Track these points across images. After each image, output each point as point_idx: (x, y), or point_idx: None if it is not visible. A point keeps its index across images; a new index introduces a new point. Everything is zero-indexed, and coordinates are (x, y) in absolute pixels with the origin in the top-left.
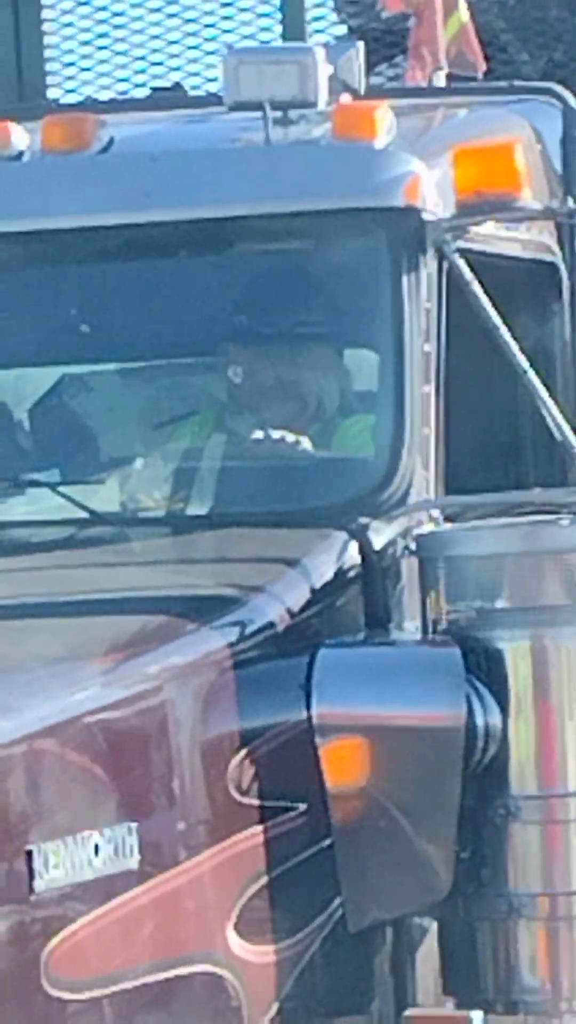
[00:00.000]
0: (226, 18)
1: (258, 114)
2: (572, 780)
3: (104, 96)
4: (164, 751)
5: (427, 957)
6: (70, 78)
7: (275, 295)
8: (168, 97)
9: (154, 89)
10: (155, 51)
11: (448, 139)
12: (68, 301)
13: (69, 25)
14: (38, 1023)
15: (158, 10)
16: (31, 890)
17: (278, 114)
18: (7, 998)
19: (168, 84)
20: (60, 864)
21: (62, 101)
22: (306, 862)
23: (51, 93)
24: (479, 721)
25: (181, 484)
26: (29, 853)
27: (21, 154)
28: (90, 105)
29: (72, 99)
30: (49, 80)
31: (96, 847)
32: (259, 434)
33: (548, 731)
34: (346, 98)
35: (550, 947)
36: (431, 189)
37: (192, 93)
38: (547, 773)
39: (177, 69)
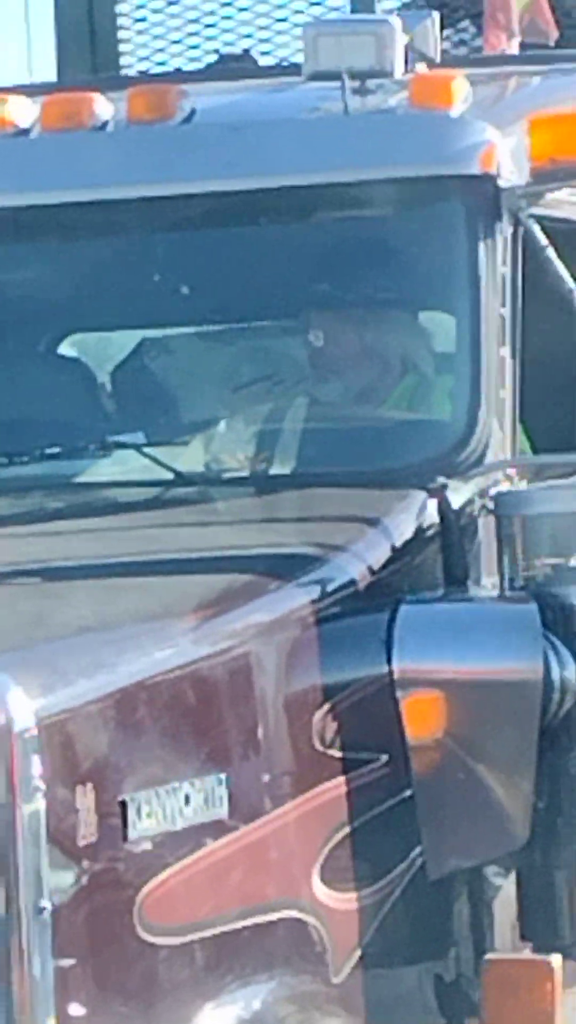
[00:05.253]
0: None
1: (336, 84)
2: None
3: (175, 64)
4: (251, 705)
5: (505, 904)
6: (142, 46)
7: (354, 261)
8: (248, 68)
9: (222, 56)
10: (224, 18)
11: (523, 107)
12: (152, 267)
13: None
14: (132, 967)
15: None
16: (125, 839)
17: (356, 84)
18: (103, 943)
19: (238, 52)
20: (152, 814)
21: (135, 70)
22: (388, 812)
23: (123, 62)
24: (555, 675)
25: (264, 445)
26: (123, 803)
27: (105, 124)
28: (173, 75)
29: (142, 67)
30: (121, 48)
31: (187, 797)
32: (340, 396)
33: None
34: (422, 67)
35: None
36: (506, 157)
37: (261, 61)
38: None
39: (248, 36)
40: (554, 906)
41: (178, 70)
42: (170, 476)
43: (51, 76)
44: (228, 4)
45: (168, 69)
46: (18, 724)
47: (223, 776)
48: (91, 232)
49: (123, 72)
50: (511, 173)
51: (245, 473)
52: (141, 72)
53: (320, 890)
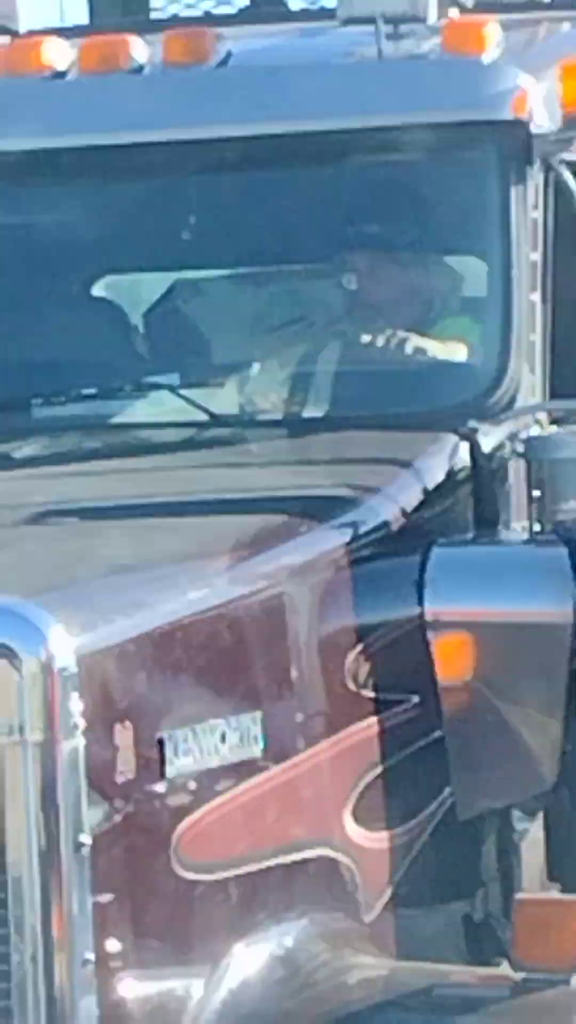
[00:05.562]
0: None
1: (370, 28)
2: None
3: (204, 7)
4: (285, 645)
5: (533, 845)
6: None
7: (386, 205)
8: (282, 11)
9: (255, 0)
10: None
11: (555, 53)
12: (186, 210)
13: None
14: (168, 902)
15: None
16: (162, 776)
17: (389, 28)
18: (140, 879)
19: None
20: (189, 751)
21: (167, 13)
22: (418, 752)
23: (154, 4)
24: None
25: (297, 388)
26: (161, 741)
27: (142, 67)
28: (207, 19)
29: (173, 11)
30: None
31: (223, 735)
32: (373, 339)
33: None
34: (455, 13)
35: None
36: (538, 103)
37: (291, 4)
38: None
39: None
40: None
41: (207, 13)
42: (204, 417)
43: (82, 19)
44: None
45: (197, 12)
46: (59, 661)
47: (258, 715)
48: (127, 175)
49: (153, 15)
50: (543, 119)
51: (279, 415)
52: (172, 15)
53: (352, 829)
